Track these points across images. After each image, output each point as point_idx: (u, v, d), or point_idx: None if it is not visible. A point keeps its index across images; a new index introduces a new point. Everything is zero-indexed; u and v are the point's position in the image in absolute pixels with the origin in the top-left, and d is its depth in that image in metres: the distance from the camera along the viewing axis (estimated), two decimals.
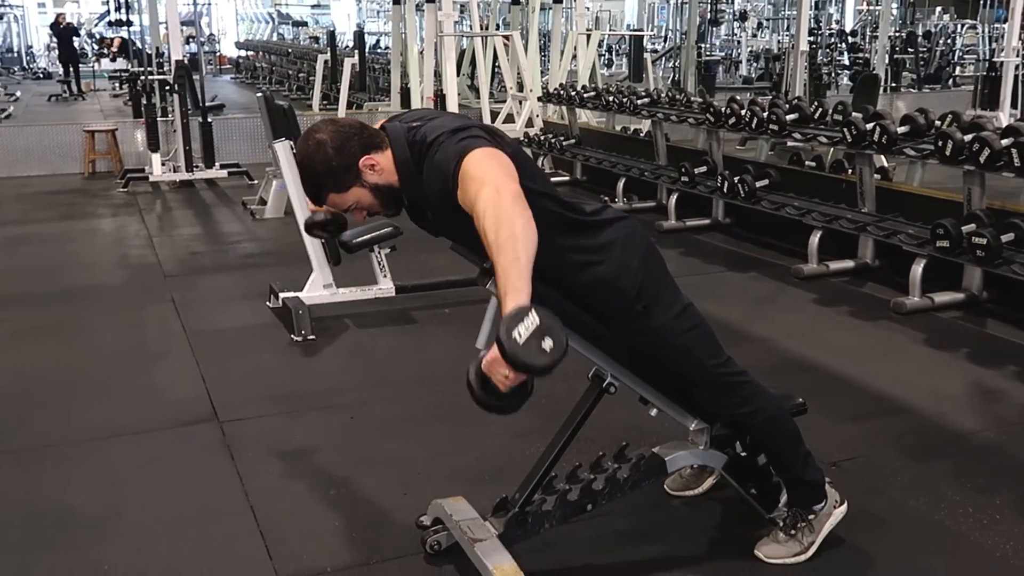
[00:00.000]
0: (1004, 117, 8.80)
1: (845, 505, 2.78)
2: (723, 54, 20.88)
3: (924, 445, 3.51)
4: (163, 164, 8.83)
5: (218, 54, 25.01)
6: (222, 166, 9.00)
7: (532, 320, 1.84)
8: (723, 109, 6.70)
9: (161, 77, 9.36)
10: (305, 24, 26.40)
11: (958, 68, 19.73)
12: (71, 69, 17.82)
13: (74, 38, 18.79)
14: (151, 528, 2.93)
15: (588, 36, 10.58)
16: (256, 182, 8.54)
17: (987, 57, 17.46)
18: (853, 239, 5.77)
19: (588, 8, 11.39)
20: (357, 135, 2.26)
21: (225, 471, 3.29)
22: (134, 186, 8.78)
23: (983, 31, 20.38)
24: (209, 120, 8.87)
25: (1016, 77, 9.76)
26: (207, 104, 9.15)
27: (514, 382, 1.92)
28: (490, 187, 2.03)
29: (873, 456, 3.40)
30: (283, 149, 4.85)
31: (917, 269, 5.07)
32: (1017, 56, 9.66)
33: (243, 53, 23.75)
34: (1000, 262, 4.72)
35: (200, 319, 4.98)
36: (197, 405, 3.85)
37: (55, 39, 19.07)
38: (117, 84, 17.69)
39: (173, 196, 8.56)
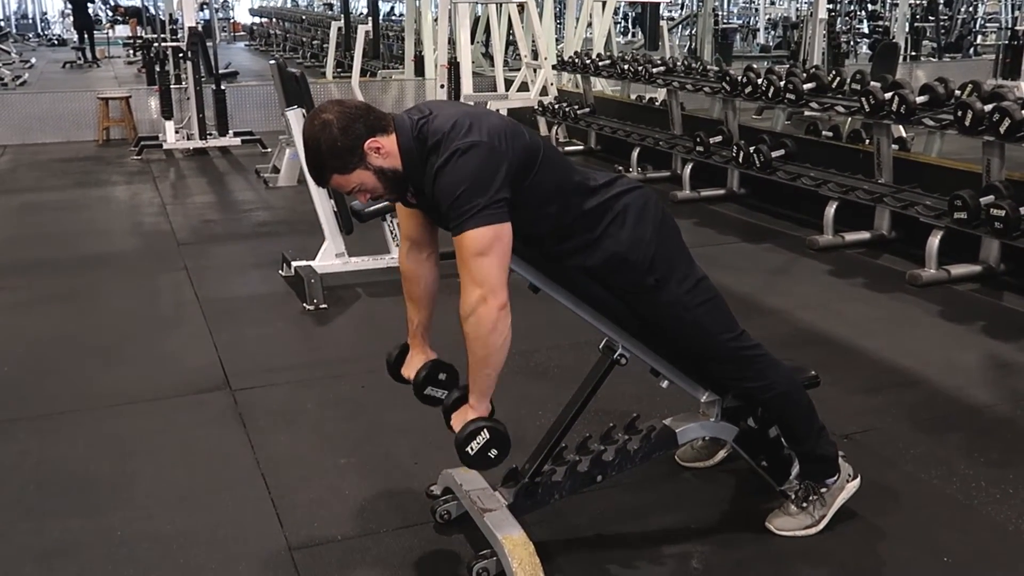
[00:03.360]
0: None
1: (858, 479, 2.77)
2: (740, 22, 20.64)
3: (938, 418, 3.49)
4: (177, 132, 8.82)
5: (232, 21, 24.93)
6: (235, 134, 8.99)
7: (483, 437, 2.29)
8: (739, 78, 6.62)
9: (174, 44, 9.32)
10: None
11: (980, 36, 19.42)
12: (86, 36, 17.78)
13: (88, 4, 18.72)
14: (164, 495, 2.94)
15: (604, 3, 10.45)
16: (269, 150, 8.54)
17: (1009, 25, 17.17)
18: (869, 210, 5.72)
19: None
20: (363, 117, 2.23)
21: (237, 439, 3.30)
22: (148, 154, 8.78)
23: None
24: (223, 88, 8.84)
25: None
26: (221, 71, 9.11)
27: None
28: (479, 293, 2.18)
29: (886, 429, 3.38)
30: (295, 117, 4.83)
31: (934, 241, 5.02)
32: None
33: (257, 20, 23.64)
34: (1018, 234, 4.66)
35: (213, 287, 4.99)
36: (210, 373, 3.86)
37: (70, 5, 18.99)
38: (131, 51, 17.64)
39: (187, 164, 8.56)
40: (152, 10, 13.26)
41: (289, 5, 24.89)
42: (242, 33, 24.68)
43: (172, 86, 9.07)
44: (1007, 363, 4.06)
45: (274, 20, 21.72)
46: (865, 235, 5.73)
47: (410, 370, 2.66)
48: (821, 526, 2.71)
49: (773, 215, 6.49)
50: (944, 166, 5.86)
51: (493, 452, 2.31)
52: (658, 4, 12.33)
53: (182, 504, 2.89)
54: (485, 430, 2.30)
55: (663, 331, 2.52)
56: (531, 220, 2.30)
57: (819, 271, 5.34)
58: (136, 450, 3.24)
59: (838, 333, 4.32)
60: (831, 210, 5.72)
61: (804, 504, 2.71)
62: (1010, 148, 4.92)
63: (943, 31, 17.30)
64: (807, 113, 7.62)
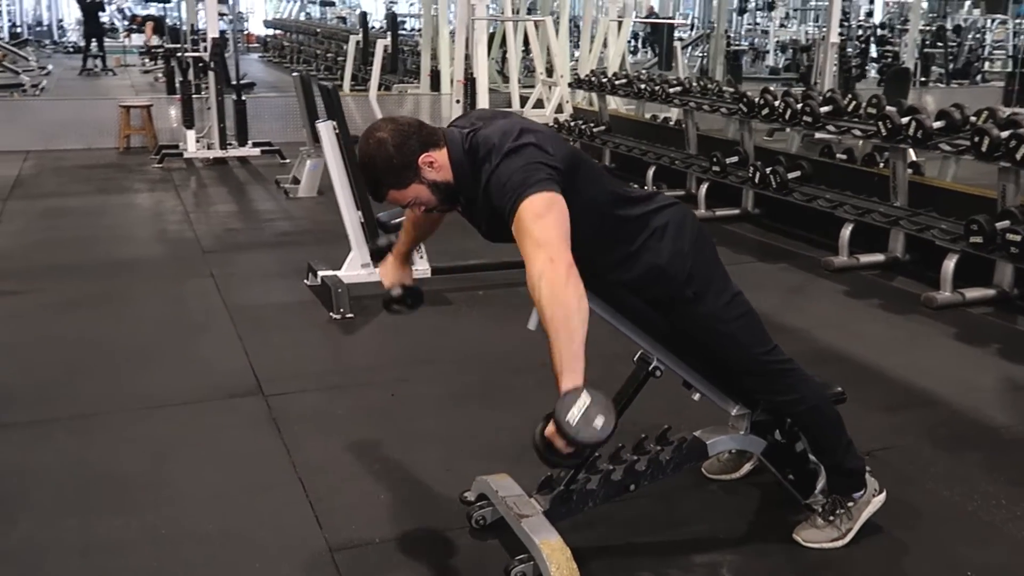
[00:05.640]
0: None
1: (884, 494, 2.84)
2: (748, 43, 20.79)
3: (956, 437, 3.56)
4: (197, 141, 8.91)
5: (246, 32, 25.08)
6: (254, 144, 9.09)
7: (584, 402, 2.02)
8: (757, 100, 6.72)
9: (196, 54, 9.44)
10: (333, 4, 26.42)
11: (987, 63, 19.56)
12: (95, 44, 17.81)
13: (100, 13, 18.74)
14: (204, 495, 3.02)
15: (620, 23, 10.58)
16: (288, 161, 8.64)
17: (1016, 53, 17.28)
18: (882, 232, 5.79)
19: None
20: (416, 133, 2.32)
21: (272, 443, 3.37)
22: (168, 162, 8.88)
23: (1012, 26, 20.21)
24: (243, 98, 8.95)
25: None
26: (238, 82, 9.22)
27: (572, 448, 2.07)
28: (544, 255, 2.11)
29: (906, 446, 3.45)
30: (326, 129, 4.91)
31: (949, 264, 5.10)
32: None
33: (271, 32, 23.82)
34: None
35: (240, 294, 5.07)
36: (242, 378, 3.93)
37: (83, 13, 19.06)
38: (148, 59, 17.76)
39: (207, 173, 8.66)
40: (171, 20, 13.40)
41: (302, 18, 25.08)
42: (256, 45, 24.85)
43: (193, 96, 9.16)
44: (1022, 386, 4.13)
45: (288, 33, 21.88)
46: (880, 257, 5.80)
47: (387, 276, 2.77)
48: (847, 539, 2.77)
49: (787, 235, 6.58)
50: (957, 191, 5.94)
51: (599, 419, 2.01)
52: (673, 25, 12.46)
53: (222, 505, 2.96)
54: (584, 393, 2.02)
55: (699, 344, 2.60)
56: (573, 229, 2.36)
57: (835, 291, 5.42)
58: (173, 452, 3.32)
59: (856, 352, 4.39)
60: (847, 232, 5.80)
61: (831, 517, 2.78)
62: None
63: (951, 57, 17.43)
64: (817, 136, 7.72)
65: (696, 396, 2.77)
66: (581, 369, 2.06)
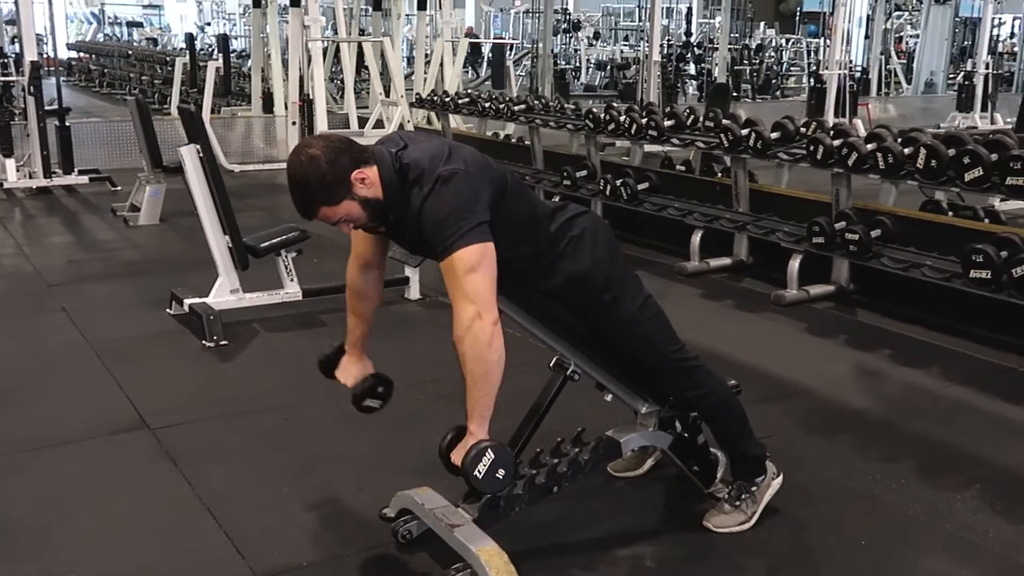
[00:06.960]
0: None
1: (781, 477, 3.05)
2: (566, 62, 21.51)
3: (827, 422, 3.85)
4: (18, 170, 8.37)
5: (45, 56, 23.69)
6: (81, 171, 8.63)
7: (489, 457, 2.32)
8: (602, 115, 6.99)
9: (8, 79, 8.88)
10: (141, 25, 25.38)
11: (784, 80, 21.05)
12: None
13: None
14: (110, 535, 2.88)
15: (455, 46, 10.74)
16: (120, 188, 8.27)
17: (809, 70, 18.69)
18: (727, 237, 6.15)
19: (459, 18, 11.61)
20: (348, 150, 2.33)
21: (171, 477, 3.25)
22: None
23: (804, 46, 21.89)
24: (67, 124, 8.49)
25: (840, 89, 10.45)
26: (51, 108, 8.68)
27: None
28: (474, 310, 2.26)
29: (785, 433, 3.70)
30: (190, 153, 4.75)
31: (794, 264, 5.47)
32: (841, 70, 10.32)
33: (75, 55, 22.60)
34: (870, 255, 5.16)
35: (98, 327, 4.81)
36: (122, 413, 3.75)
37: None
38: None
39: (32, 203, 8.14)
40: None
41: (100, 39, 23.91)
42: (60, 68, 23.50)
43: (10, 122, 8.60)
44: (873, 371, 4.50)
45: (94, 56, 20.84)
46: (727, 261, 6.15)
47: (347, 377, 2.78)
48: (753, 521, 2.95)
49: (637, 244, 6.84)
50: (792, 196, 6.37)
51: (500, 472, 2.34)
52: (506, 46, 12.75)
53: (133, 543, 2.83)
54: (490, 450, 2.32)
55: (616, 346, 2.72)
56: (504, 246, 2.43)
57: (692, 295, 5.71)
58: (66, 493, 3.13)
59: (723, 350, 4.63)
60: (696, 238, 6.12)
61: (737, 502, 2.95)
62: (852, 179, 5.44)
63: (754, 74, 18.66)
64: (647, 148, 8.08)
65: (609, 397, 2.89)
66: (488, 418, 2.35)
